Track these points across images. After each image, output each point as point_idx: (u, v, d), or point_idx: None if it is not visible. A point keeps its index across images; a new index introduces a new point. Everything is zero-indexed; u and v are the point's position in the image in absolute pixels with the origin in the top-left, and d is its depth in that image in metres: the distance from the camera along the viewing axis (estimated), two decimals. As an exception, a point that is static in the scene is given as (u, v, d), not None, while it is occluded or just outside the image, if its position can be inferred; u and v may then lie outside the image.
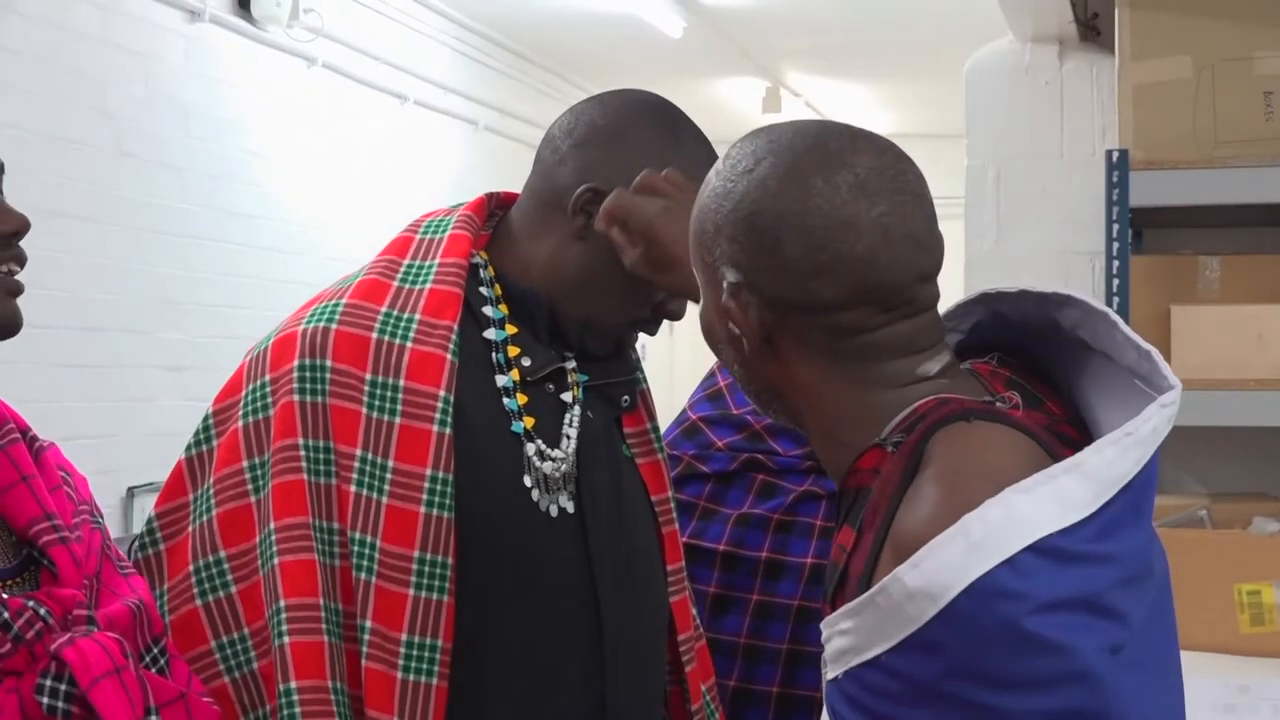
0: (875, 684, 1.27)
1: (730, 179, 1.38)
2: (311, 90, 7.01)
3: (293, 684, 1.74)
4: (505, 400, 1.87)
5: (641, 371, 2.06)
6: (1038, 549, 1.20)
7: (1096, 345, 1.43)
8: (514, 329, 1.91)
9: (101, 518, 1.66)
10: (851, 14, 8.56)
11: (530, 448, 1.87)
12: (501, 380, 1.87)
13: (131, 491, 5.44)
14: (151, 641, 1.60)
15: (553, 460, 1.88)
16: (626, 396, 2.01)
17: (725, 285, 1.37)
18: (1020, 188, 4.00)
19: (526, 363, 1.89)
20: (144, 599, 1.61)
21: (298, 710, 1.73)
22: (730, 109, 11.12)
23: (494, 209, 1.98)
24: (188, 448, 1.90)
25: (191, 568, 1.84)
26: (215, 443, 1.87)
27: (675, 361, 11.75)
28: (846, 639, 1.28)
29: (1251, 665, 2.81)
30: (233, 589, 1.83)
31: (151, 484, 2.10)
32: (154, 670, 1.57)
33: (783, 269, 1.34)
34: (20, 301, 1.56)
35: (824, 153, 1.37)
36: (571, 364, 1.94)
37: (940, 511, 1.23)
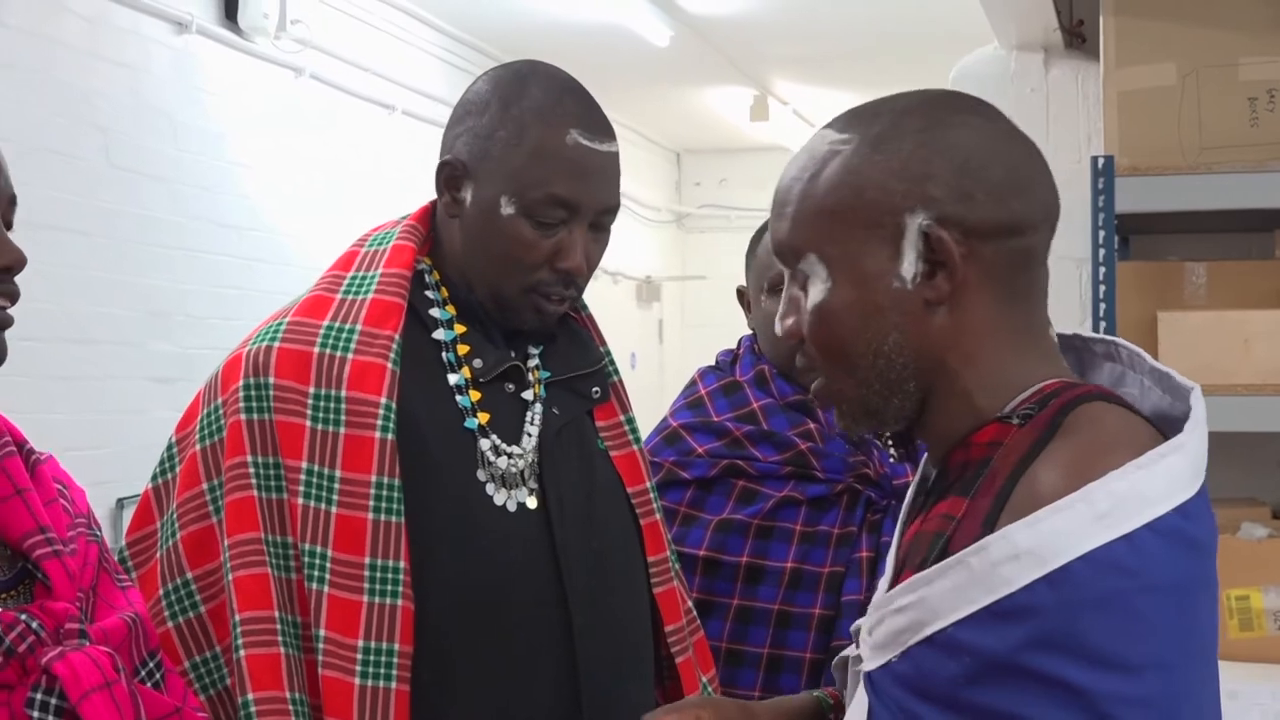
0: (931, 667, 1.26)
1: (890, 137, 1.42)
2: (299, 101, 7.00)
3: (250, 696, 1.76)
4: (457, 398, 1.88)
5: (612, 363, 2.07)
6: (1154, 528, 1.23)
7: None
8: (463, 329, 1.94)
9: (99, 530, 1.66)
10: (838, 22, 8.57)
11: (484, 443, 1.88)
12: (453, 379, 1.89)
13: (121, 503, 5.44)
14: (147, 655, 1.60)
15: (510, 456, 1.89)
16: (596, 388, 2.02)
17: (918, 230, 1.38)
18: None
19: (478, 364, 1.91)
20: (140, 612, 1.61)
21: None
22: (718, 117, 11.14)
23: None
24: (153, 476, 1.94)
25: (161, 591, 1.87)
26: (179, 468, 1.90)
27: (665, 365, 11.77)
28: (905, 616, 1.28)
29: (1240, 670, 2.81)
30: (202, 609, 1.86)
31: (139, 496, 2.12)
32: (149, 684, 1.57)
33: (989, 191, 1.38)
34: (9, 313, 1.56)
35: (968, 97, 1.49)
36: (534, 362, 1.96)
37: (1069, 480, 1.25)
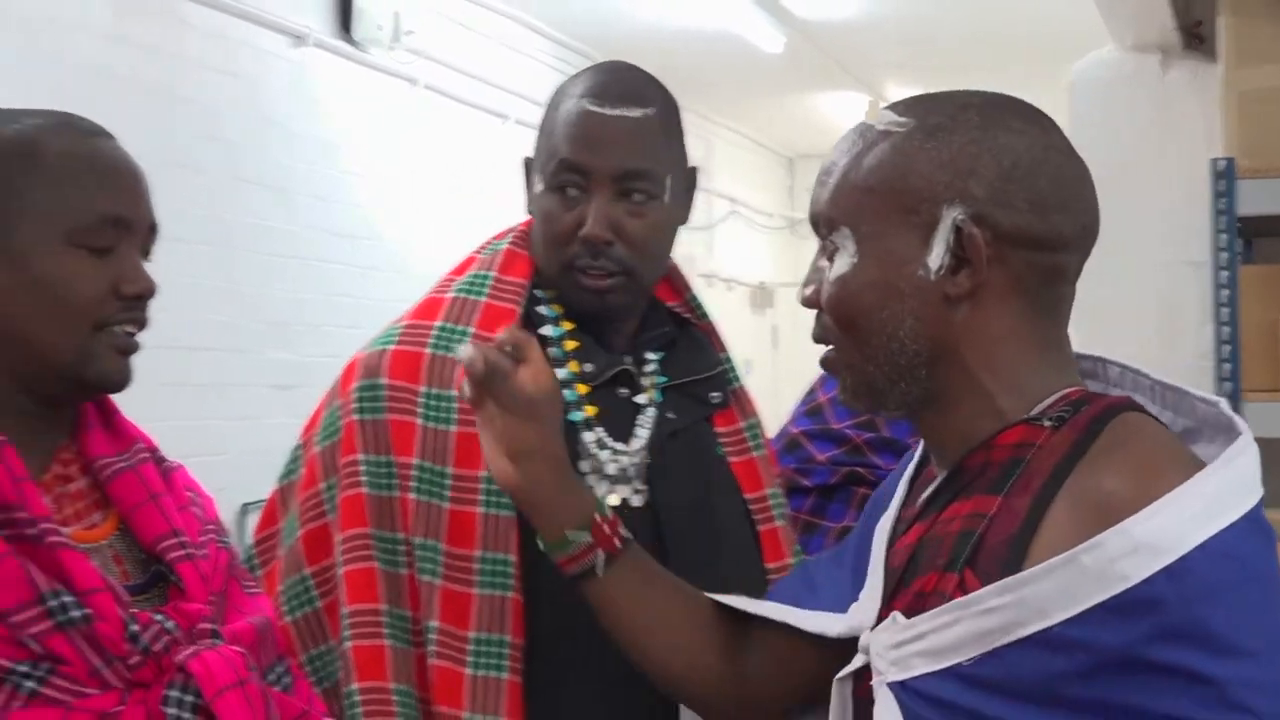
0: (1029, 665, 1.26)
1: (945, 128, 1.43)
2: (413, 111, 7.07)
3: (354, 685, 1.80)
4: (564, 392, 1.91)
5: (733, 370, 2.07)
6: (1249, 519, 1.26)
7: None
8: (575, 344, 1.95)
9: (229, 538, 1.70)
10: (951, 25, 8.50)
11: (588, 436, 1.89)
12: (561, 374, 1.90)
13: (245, 508, 5.52)
14: (276, 659, 1.63)
15: (613, 450, 1.90)
16: (716, 394, 2.02)
17: (952, 223, 1.39)
18: (1124, 198, 3.95)
19: (589, 368, 1.92)
20: (269, 617, 1.64)
21: (359, 711, 1.80)
22: (831, 122, 11.09)
23: None
24: (279, 478, 2.00)
25: (281, 587, 1.91)
26: (302, 470, 1.94)
27: (779, 372, 11.73)
28: (995, 617, 1.27)
29: None
30: (318, 604, 1.90)
31: (262, 500, 2.15)
32: (277, 687, 1.60)
33: (1031, 200, 1.39)
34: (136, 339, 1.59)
35: (1030, 105, 1.48)
36: (651, 368, 1.97)
37: (1140, 487, 1.26)
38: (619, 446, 1.91)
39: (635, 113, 1.90)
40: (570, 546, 1.67)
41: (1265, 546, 1.28)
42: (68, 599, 1.41)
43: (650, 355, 2.00)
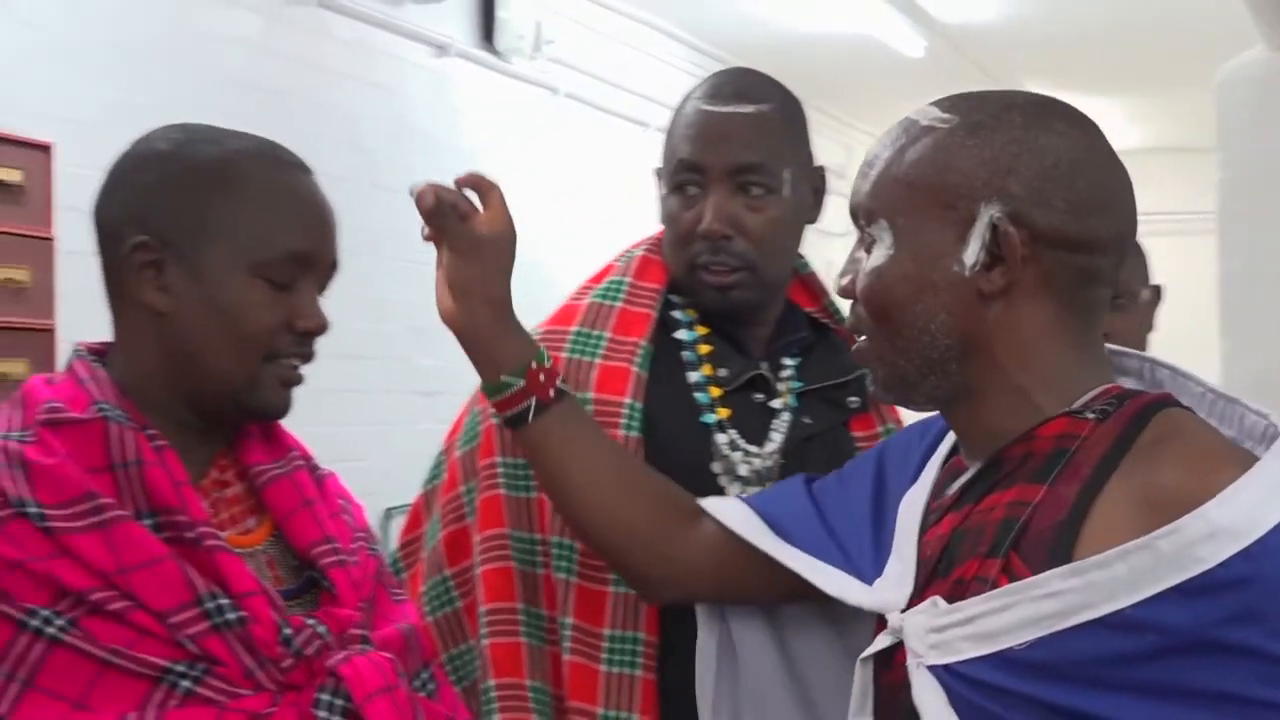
0: (1090, 648, 1.27)
1: (987, 126, 1.44)
2: (554, 119, 7.12)
3: (491, 682, 1.82)
4: (696, 395, 1.91)
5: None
6: None
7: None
8: (706, 332, 1.97)
9: (378, 545, 1.72)
10: (1094, 28, 8.38)
11: (721, 438, 1.90)
12: (693, 376, 1.91)
13: (389, 513, 5.60)
14: (421, 666, 1.65)
15: (745, 453, 1.90)
16: (855, 398, 2.02)
17: (989, 220, 1.40)
18: (1276, 201, 3.87)
19: (724, 373, 1.93)
20: (415, 625, 1.67)
21: (495, 706, 1.82)
22: (971, 127, 10.98)
23: None
24: (424, 483, 2.02)
25: (424, 588, 1.94)
26: (444, 474, 1.97)
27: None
28: (1059, 600, 1.28)
29: None
30: (458, 604, 1.93)
31: (406, 505, 2.17)
32: (423, 693, 1.62)
33: (1069, 201, 1.40)
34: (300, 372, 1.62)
35: (1074, 109, 1.49)
36: (788, 373, 1.97)
37: (1198, 479, 1.27)
38: (752, 449, 1.92)
39: (748, 109, 1.92)
40: (504, 389, 1.70)
41: None
42: (224, 601, 1.44)
43: (787, 360, 2.00)
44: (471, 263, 1.69)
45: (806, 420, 1.97)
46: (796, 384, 1.99)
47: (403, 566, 2.02)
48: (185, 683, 1.41)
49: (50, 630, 1.38)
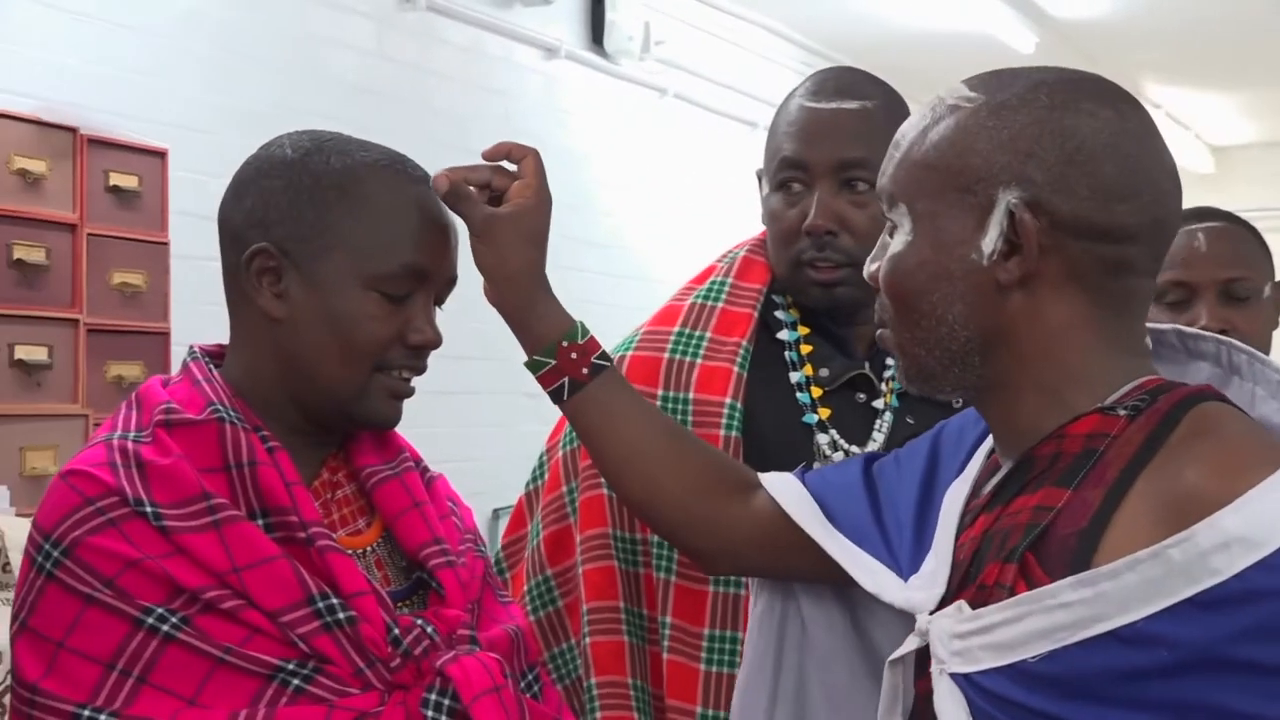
0: (1101, 662, 1.21)
1: (1011, 106, 1.36)
2: (663, 120, 7.13)
3: (593, 680, 1.82)
4: (798, 395, 1.90)
5: None
6: None
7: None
8: (808, 332, 1.96)
9: (485, 547, 1.74)
10: (1210, 21, 8.25)
11: (822, 438, 1.89)
12: (794, 376, 1.90)
13: (496, 513, 5.63)
14: (527, 667, 1.66)
15: (846, 453, 1.90)
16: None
17: (1006, 206, 1.34)
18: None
19: (825, 372, 1.92)
20: (521, 626, 1.67)
21: (597, 704, 1.82)
22: (1084, 124, 10.85)
23: None
24: (527, 483, 2.03)
25: (526, 587, 1.95)
26: (546, 475, 1.97)
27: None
28: (1070, 612, 1.22)
29: None
30: (560, 604, 1.94)
31: (512, 505, 2.20)
32: (529, 695, 1.63)
33: (1093, 188, 1.32)
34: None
35: (1112, 86, 1.39)
36: (890, 373, 1.95)
37: (1224, 481, 1.19)
38: (853, 449, 1.91)
39: (852, 105, 1.90)
40: (539, 368, 1.69)
41: None
42: (335, 601, 1.45)
43: (889, 360, 1.99)
44: (488, 245, 1.66)
45: (909, 420, 1.96)
46: (898, 384, 1.98)
47: (506, 567, 2.04)
48: (295, 681, 1.43)
49: (165, 628, 1.40)
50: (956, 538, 1.43)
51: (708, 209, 7.37)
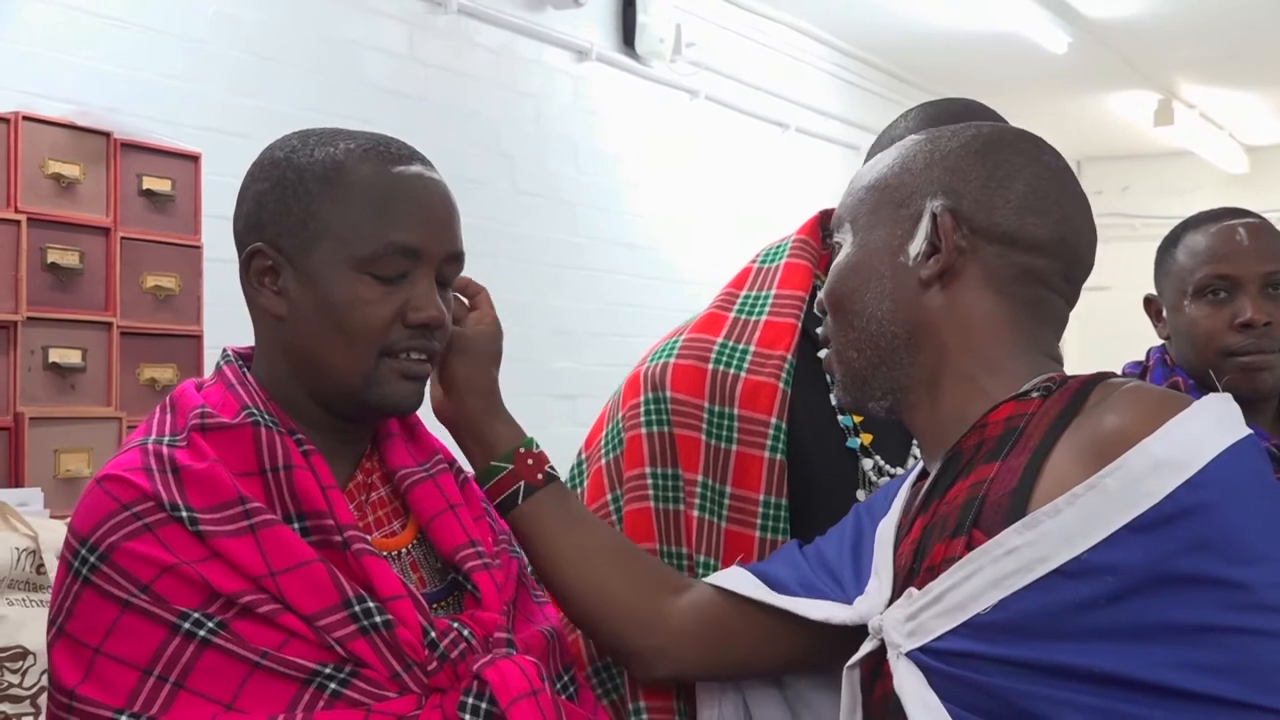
0: (1048, 601, 1.29)
1: (945, 135, 1.56)
2: (694, 122, 7.12)
3: (641, 703, 1.81)
4: (839, 418, 1.89)
5: None
6: (1252, 439, 1.33)
7: None
8: None
9: (518, 547, 1.74)
10: (1246, 20, 8.20)
11: (866, 463, 1.88)
12: (834, 399, 1.89)
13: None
14: (563, 669, 1.66)
15: (891, 476, 1.88)
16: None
17: (930, 211, 1.51)
18: None
19: None
20: (556, 627, 1.67)
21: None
22: (1119, 123, 10.81)
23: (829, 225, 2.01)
24: None
25: None
26: (586, 482, 1.96)
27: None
28: (1015, 558, 1.31)
29: None
30: None
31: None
32: (564, 696, 1.62)
33: (1009, 201, 1.50)
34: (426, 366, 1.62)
35: (1039, 139, 1.58)
36: None
37: (1144, 418, 1.32)
38: (896, 472, 1.90)
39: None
40: (494, 474, 1.74)
41: (1267, 464, 1.35)
42: (371, 604, 1.45)
43: None
44: (458, 359, 1.73)
45: None
46: None
47: None
48: (333, 685, 1.43)
49: (201, 633, 1.40)
50: (896, 548, 1.51)
51: (738, 211, 7.36)
